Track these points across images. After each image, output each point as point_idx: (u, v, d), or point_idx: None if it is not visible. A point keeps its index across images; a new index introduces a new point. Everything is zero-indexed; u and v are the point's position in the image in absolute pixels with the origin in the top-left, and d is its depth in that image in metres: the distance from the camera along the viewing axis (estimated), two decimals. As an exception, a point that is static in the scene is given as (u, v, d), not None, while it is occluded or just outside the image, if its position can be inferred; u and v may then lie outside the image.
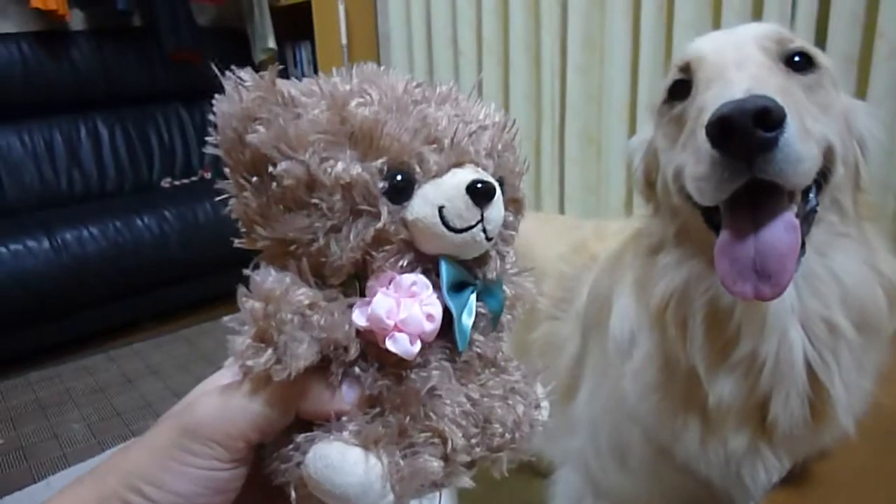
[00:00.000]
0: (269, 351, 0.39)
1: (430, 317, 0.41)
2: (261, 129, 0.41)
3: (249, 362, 0.39)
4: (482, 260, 0.46)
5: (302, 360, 0.39)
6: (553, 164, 2.78)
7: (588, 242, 1.10)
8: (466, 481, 0.44)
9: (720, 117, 0.56)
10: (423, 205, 0.42)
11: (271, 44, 3.77)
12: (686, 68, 0.71)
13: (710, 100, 0.62)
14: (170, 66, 3.60)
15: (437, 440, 0.42)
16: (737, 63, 0.65)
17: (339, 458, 0.39)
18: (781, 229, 0.60)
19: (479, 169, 0.44)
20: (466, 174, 0.43)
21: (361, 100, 0.42)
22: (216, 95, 0.43)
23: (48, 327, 2.70)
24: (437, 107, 0.45)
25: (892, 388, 0.77)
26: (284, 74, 0.41)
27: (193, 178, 3.68)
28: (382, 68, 0.46)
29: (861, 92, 1.95)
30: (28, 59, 3.17)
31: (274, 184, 0.41)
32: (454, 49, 3.07)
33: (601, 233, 1.11)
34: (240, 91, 0.42)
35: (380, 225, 0.41)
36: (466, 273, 0.44)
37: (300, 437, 0.41)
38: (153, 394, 2.46)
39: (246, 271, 0.43)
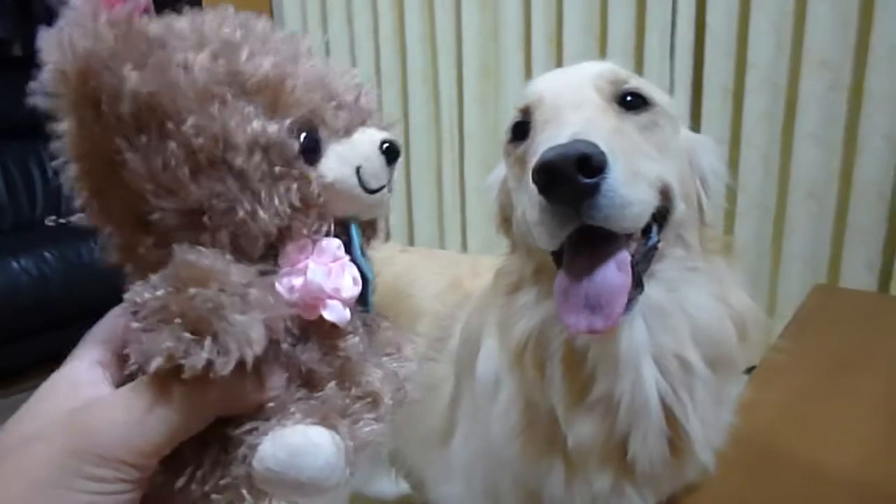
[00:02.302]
0: (208, 342, 0.33)
1: (355, 280, 0.40)
2: (136, 75, 0.35)
3: (185, 360, 0.33)
4: (372, 221, 0.45)
5: (256, 346, 0.34)
6: (454, 194, 2.79)
7: (463, 279, 1.08)
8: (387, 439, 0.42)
9: (543, 163, 0.55)
10: (340, 165, 0.40)
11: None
12: (525, 110, 0.70)
13: (541, 143, 0.61)
14: (53, 98, 3.41)
15: (371, 404, 0.40)
16: (573, 104, 0.65)
17: (303, 441, 0.35)
18: (614, 268, 0.60)
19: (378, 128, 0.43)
20: (376, 133, 0.42)
21: (250, 48, 0.38)
22: (42, 29, 0.35)
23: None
24: (318, 61, 0.42)
25: (752, 417, 0.78)
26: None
27: (81, 215, 3.47)
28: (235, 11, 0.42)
29: (736, 120, 2.05)
30: None
31: (172, 143, 0.35)
32: (353, 80, 3.04)
33: (476, 268, 1.09)
34: (96, 24, 0.35)
35: (309, 189, 0.38)
36: (362, 236, 0.43)
37: (236, 432, 0.36)
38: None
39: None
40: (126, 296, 0.36)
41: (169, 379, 0.34)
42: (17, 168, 3.37)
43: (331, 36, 3.05)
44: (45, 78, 0.36)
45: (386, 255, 1.28)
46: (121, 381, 0.37)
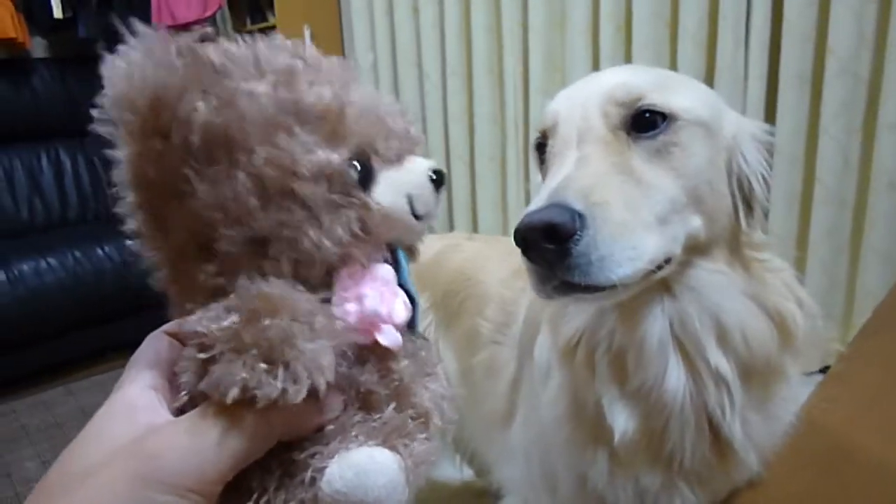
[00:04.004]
0: (281, 371, 0.34)
1: (405, 306, 0.41)
2: (203, 105, 0.35)
3: (261, 390, 0.33)
4: (412, 246, 0.47)
5: (328, 372, 0.35)
6: (518, 185, 2.79)
7: (526, 266, 1.09)
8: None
9: (516, 231, 0.58)
10: (392, 193, 0.40)
11: (238, 68, 3.76)
12: (544, 133, 0.72)
13: (544, 183, 0.64)
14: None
15: (423, 424, 0.41)
16: (576, 137, 0.65)
17: (369, 461, 0.37)
18: None
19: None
20: (425, 163, 0.43)
21: (309, 77, 0.39)
22: (104, 55, 0.36)
23: (3, 361, 2.63)
24: (365, 89, 0.43)
25: (825, 416, 0.76)
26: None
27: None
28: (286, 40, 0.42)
29: (813, 110, 1.97)
30: (-14, 87, 3.14)
31: (241, 173, 0.36)
32: (419, 72, 3.07)
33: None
34: (170, 56, 0.35)
35: (369, 216, 0.39)
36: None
37: (301, 456, 0.37)
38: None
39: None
40: (185, 325, 0.37)
41: (236, 406, 0.34)
42: (100, 161, 3.53)
43: (396, 27, 3.08)
44: (108, 105, 0.36)
45: (454, 243, 1.31)
46: (173, 407, 0.37)
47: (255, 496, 0.37)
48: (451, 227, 3.05)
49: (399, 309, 0.40)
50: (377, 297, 0.39)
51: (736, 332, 0.68)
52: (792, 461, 0.73)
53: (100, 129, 0.36)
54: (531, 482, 0.95)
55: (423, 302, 1.28)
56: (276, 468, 0.37)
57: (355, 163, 0.39)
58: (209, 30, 0.40)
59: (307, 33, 3.32)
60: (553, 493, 0.90)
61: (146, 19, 3.08)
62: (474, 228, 2.96)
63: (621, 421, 0.71)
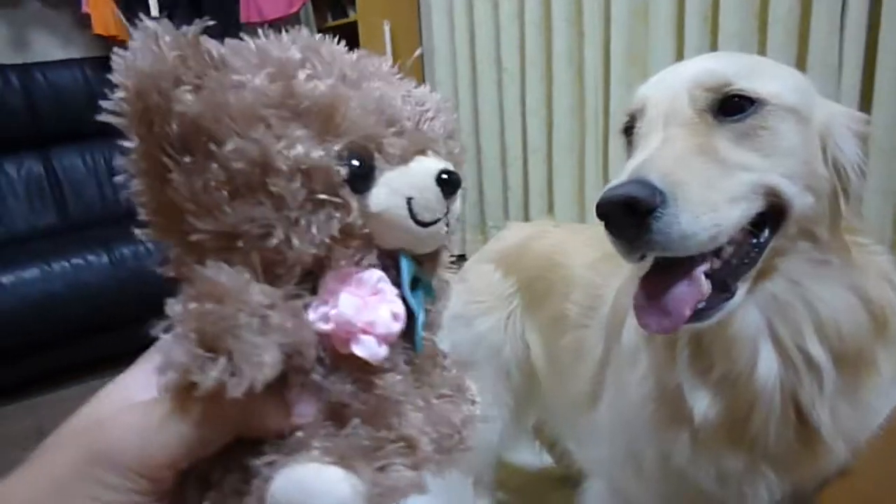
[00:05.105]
0: (222, 361, 0.32)
1: (396, 316, 0.37)
2: (189, 96, 0.34)
3: (196, 377, 0.32)
4: (434, 254, 0.43)
5: (267, 370, 0.33)
6: (597, 177, 2.77)
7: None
8: (427, 489, 0.39)
9: (597, 205, 0.60)
10: (389, 195, 0.37)
11: (319, 63, 3.86)
12: (632, 115, 0.74)
13: (630, 162, 0.65)
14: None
15: (406, 449, 0.38)
16: (663, 119, 0.67)
17: (315, 479, 0.34)
18: (684, 286, 0.64)
19: (441, 157, 0.41)
20: (433, 163, 0.39)
21: (310, 71, 0.37)
22: (115, 50, 0.35)
23: (108, 338, 2.78)
24: (385, 84, 0.40)
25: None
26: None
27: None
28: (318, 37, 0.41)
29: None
30: (91, 83, 3.32)
31: (214, 165, 0.35)
32: (498, 65, 3.09)
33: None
34: (160, 46, 0.34)
35: (349, 218, 0.36)
36: (419, 268, 0.41)
37: (257, 462, 0.35)
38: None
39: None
40: (166, 309, 0.36)
41: (186, 393, 0.33)
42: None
43: (476, 20, 3.11)
44: (115, 96, 0.36)
45: (540, 230, 1.33)
46: None
47: (211, 494, 0.36)
48: (527, 220, 3.06)
49: (383, 319, 0.36)
50: (354, 304, 0.36)
51: (832, 322, 0.68)
52: (884, 451, 0.72)
53: (109, 118, 0.36)
54: (617, 462, 0.96)
55: (507, 287, 1.31)
56: (236, 471, 0.36)
57: (354, 161, 0.37)
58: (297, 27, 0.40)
59: (387, 28, 3.39)
60: (638, 473, 0.91)
61: (235, 16, 3.18)
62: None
63: (703, 405, 0.72)
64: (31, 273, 2.61)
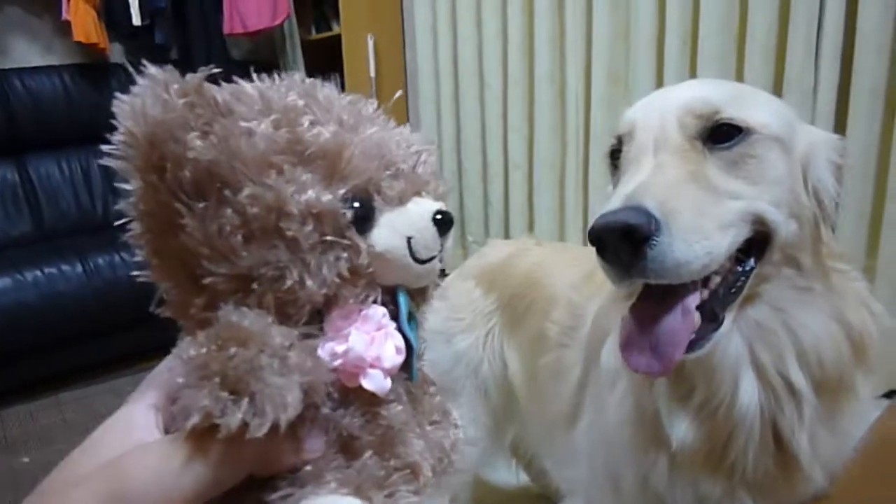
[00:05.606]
0: (245, 403, 0.33)
1: (398, 350, 0.40)
2: (199, 142, 0.36)
3: (220, 420, 0.33)
4: (423, 289, 0.45)
5: (291, 410, 0.34)
6: (577, 195, 2.79)
7: (598, 272, 1.10)
8: None
9: (591, 231, 0.59)
10: (390, 235, 0.39)
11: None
12: (620, 139, 0.73)
13: (618, 188, 0.65)
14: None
15: (410, 476, 0.40)
16: (653, 145, 0.67)
17: None
18: (678, 315, 0.63)
19: (432, 197, 0.43)
20: (430, 204, 0.42)
21: (311, 117, 0.39)
22: (118, 95, 0.37)
23: (80, 349, 2.75)
24: (379, 129, 0.42)
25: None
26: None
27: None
28: (309, 80, 0.42)
29: (887, 124, 1.93)
30: (70, 90, 3.28)
31: (229, 210, 0.36)
32: (480, 82, 3.11)
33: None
34: (169, 93, 0.36)
35: (359, 259, 0.38)
36: (412, 303, 0.43)
37: (273, 496, 0.36)
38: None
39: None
40: (174, 351, 0.37)
41: (205, 434, 0.34)
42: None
43: (459, 37, 3.13)
44: (118, 141, 0.37)
45: (523, 247, 1.33)
46: (172, 429, 0.37)
47: None
48: (507, 236, 3.07)
49: (389, 353, 0.39)
50: (363, 340, 0.38)
51: (814, 349, 0.68)
52: (860, 476, 0.73)
53: (112, 163, 0.37)
54: (595, 483, 0.96)
55: (487, 305, 1.31)
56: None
57: (356, 203, 0.38)
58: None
59: (370, 42, 3.40)
60: (616, 494, 0.90)
61: (219, 27, 3.16)
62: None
63: (681, 431, 0.72)
64: (3, 282, 2.57)
